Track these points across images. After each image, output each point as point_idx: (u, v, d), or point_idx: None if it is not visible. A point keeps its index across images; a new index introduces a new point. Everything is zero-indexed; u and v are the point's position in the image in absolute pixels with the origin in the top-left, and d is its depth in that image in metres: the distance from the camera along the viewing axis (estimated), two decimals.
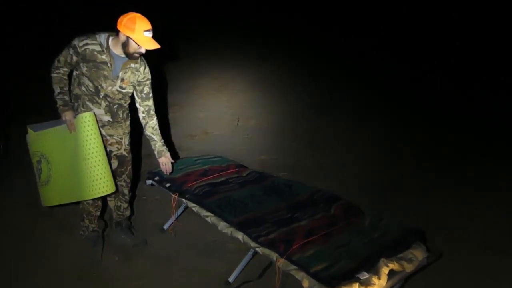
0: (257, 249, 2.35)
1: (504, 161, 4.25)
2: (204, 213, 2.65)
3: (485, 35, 7.71)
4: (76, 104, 2.54)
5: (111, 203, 2.86)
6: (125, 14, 2.34)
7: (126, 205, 2.88)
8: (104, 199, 2.77)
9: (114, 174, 2.64)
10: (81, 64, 2.42)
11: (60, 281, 2.53)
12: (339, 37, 7.51)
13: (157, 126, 2.69)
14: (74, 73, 2.52)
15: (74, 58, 2.42)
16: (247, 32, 7.27)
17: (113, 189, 2.48)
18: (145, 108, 2.64)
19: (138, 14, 2.34)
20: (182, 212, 3.00)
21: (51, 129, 2.52)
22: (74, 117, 2.43)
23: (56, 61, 2.47)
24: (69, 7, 7.26)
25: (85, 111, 2.47)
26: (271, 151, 4.21)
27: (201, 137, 4.40)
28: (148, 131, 2.68)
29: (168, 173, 2.77)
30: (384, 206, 3.36)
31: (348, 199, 2.83)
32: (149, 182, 2.99)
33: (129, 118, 2.70)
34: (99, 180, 2.40)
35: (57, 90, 2.47)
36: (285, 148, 4.33)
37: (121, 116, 2.62)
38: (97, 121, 2.46)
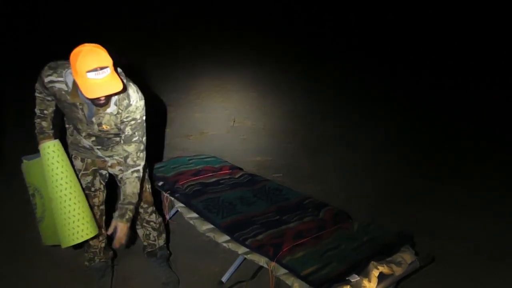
0: (245, 256, 2.33)
1: (504, 168, 4.28)
2: (188, 215, 2.64)
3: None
4: (67, 125, 2.17)
5: (139, 231, 2.53)
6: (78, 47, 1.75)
7: (156, 232, 2.50)
8: (109, 223, 2.36)
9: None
10: (54, 97, 2.00)
11: (57, 277, 2.52)
12: (339, 41, 7.53)
13: (128, 181, 2.04)
14: None
15: (45, 90, 1.99)
16: (245, 33, 7.28)
17: (94, 233, 2.10)
18: (123, 153, 2.03)
19: (87, 47, 1.73)
20: (176, 211, 3.00)
21: (39, 159, 2.09)
22: None
23: (36, 83, 2.04)
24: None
25: (75, 137, 2.13)
26: (266, 153, 4.21)
27: (197, 137, 4.40)
28: (120, 184, 2.20)
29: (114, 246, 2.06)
30: (378, 210, 3.38)
31: (337, 206, 2.83)
32: None
33: None
34: (71, 224, 2.01)
35: (37, 112, 2.10)
36: (280, 150, 4.34)
37: (117, 139, 2.13)
38: (64, 151, 2.06)
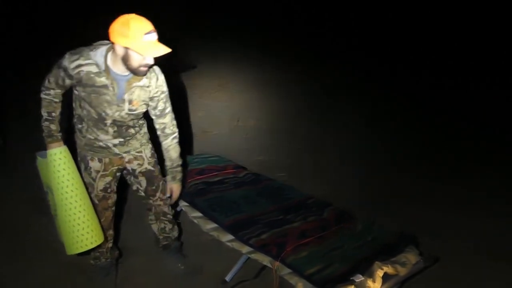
0: (249, 255, 2.33)
1: (504, 168, 4.29)
2: (192, 214, 2.64)
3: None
4: (80, 125, 2.13)
5: (153, 226, 2.57)
6: (117, 19, 1.83)
7: (170, 225, 2.56)
8: (117, 223, 2.49)
9: (147, 194, 2.37)
10: (78, 87, 1.97)
11: (57, 276, 2.52)
12: (339, 41, 7.53)
13: (170, 148, 2.26)
14: (74, 91, 2.04)
15: (67, 81, 1.96)
16: (245, 33, 7.27)
17: (99, 241, 2.11)
18: (160, 126, 2.22)
19: (132, 15, 1.84)
20: (180, 210, 3.01)
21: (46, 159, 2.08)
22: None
23: (46, 81, 2.01)
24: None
25: (90, 135, 2.11)
26: (270, 152, 4.22)
27: (200, 136, 4.40)
28: (163, 152, 2.31)
29: (171, 203, 2.48)
30: (379, 210, 3.38)
31: (341, 206, 2.84)
32: None
33: (145, 124, 2.27)
34: (76, 233, 2.00)
35: (44, 115, 2.05)
36: (284, 149, 4.35)
37: (133, 132, 2.19)
38: (71, 158, 2.05)
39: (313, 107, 5.34)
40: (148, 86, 2.05)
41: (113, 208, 2.38)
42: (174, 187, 2.38)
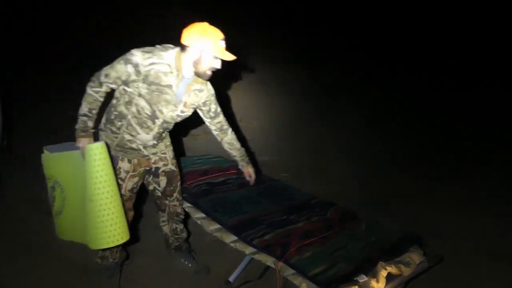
0: (253, 256, 2.33)
1: (504, 168, 4.30)
2: (195, 215, 2.64)
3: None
4: (119, 123, 2.15)
5: (165, 228, 2.60)
6: (190, 26, 2.00)
7: (182, 226, 2.62)
8: (135, 224, 2.50)
9: (164, 194, 2.44)
10: (141, 84, 2.02)
11: (58, 276, 2.51)
12: (339, 41, 7.54)
13: (233, 141, 2.50)
14: (122, 88, 2.07)
15: (132, 77, 2.00)
16: (245, 33, 7.27)
17: (126, 238, 2.12)
18: (217, 125, 2.41)
19: (206, 23, 2.01)
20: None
21: (67, 153, 2.10)
22: None
23: (102, 75, 2.03)
24: None
25: (128, 134, 2.16)
26: (272, 152, 4.23)
27: (203, 137, 4.39)
28: (225, 147, 2.52)
29: (252, 183, 2.68)
30: (379, 210, 3.40)
31: (344, 206, 2.85)
32: None
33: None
34: (108, 228, 2.02)
35: (84, 110, 2.07)
36: (286, 150, 4.36)
37: (164, 135, 2.32)
38: (109, 153, 2.08)
39: (313, 107, 5.34)
40: (201, 91, 2.21)
41: (133, 208, 2.43)
42: (250, 170, 2.63)
